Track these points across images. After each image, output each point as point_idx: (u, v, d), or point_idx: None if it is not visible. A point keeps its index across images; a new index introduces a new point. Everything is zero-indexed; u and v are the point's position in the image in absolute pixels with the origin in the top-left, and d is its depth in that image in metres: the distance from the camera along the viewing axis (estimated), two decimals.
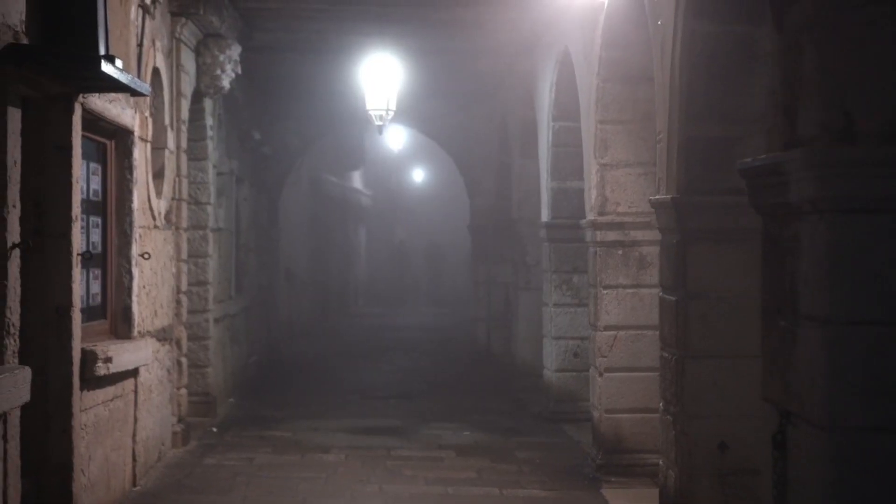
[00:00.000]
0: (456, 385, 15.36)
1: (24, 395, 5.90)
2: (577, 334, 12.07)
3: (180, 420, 10.50)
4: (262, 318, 16.96)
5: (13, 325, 5.95)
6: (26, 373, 5.91)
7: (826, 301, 3.78)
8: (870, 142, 3.73)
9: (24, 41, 6.05)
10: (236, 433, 11.31)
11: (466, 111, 16.84)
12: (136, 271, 8.60)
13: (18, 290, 6.02)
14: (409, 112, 16.30)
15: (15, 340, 5.98)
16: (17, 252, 5.97)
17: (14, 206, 5.95)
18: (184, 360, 10.68)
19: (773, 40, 4.23)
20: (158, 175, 9.72)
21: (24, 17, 6.11)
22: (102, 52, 6.47)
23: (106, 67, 6.14)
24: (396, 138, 25.64)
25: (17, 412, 5.97)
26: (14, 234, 5.96)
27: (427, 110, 17.06)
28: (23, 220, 6.12)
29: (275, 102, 16.75)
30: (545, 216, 12.60)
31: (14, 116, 5.94)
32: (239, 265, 14.86)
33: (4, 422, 5.78)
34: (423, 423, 12.08)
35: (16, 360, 6.00)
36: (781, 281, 4.16)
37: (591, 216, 9.78)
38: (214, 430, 11.38)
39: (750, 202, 4.48)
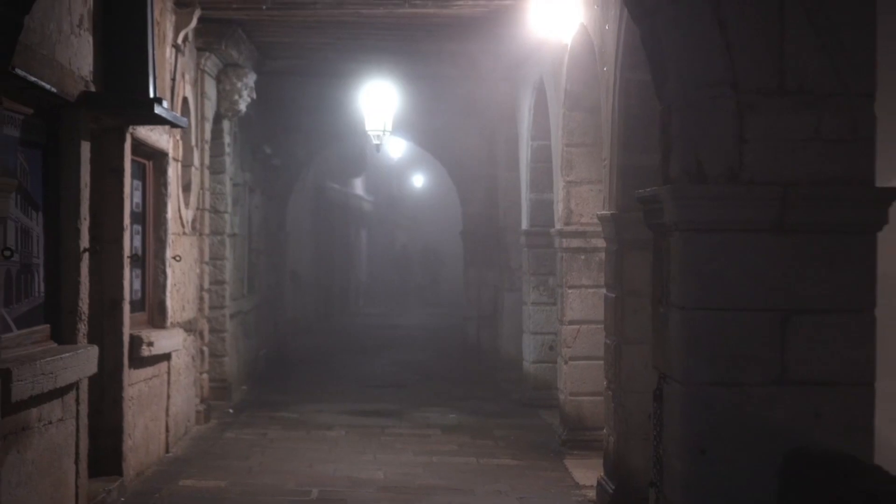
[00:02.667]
0: (446, 376, 16.90)
1: (93, 368, 7.49)
2: (551, 330, 13.53)
3: (202, 401, 12.07)
4: (270, 316, 18.50)
5: (84, 312, 7.54)
6: (94, 350, 7.51)
7: (683, 293, 5.35)
8: (714, 182, 5.30)
9: (92, 88, 7.65)
10: (250, 414, 12.89)
11: (458, 126, 18.28)
12: (169, 271, 10.17)
13: (87, 285, 7.61)
14: (407, 126, 17.77)
15: (85, 325, 7.57)
16: (86, 255, 7.57)
17: (84, 219, 7.55)
18: (205, 349, 12.26)
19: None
20: (186, 188, 11.29)
21: (91, 69, 7.72)
22: (152, 94, 8.06)
23: (158, 109, 7.74)
24: (396, 147, 27.13)
25: (86, 381, 7.57)
26: (84, 240, 7.56)
27: (422, 125, 18.47)
28: (88, 229, 7.71)
29: (284, 118, 18.25)
30: (524, 224, 14.18)
31: (85, 148, 7.54)
32: (251, 267, 16.40)
33: (77, 388, 7.37)
34: (415, 408, 13.64)
35: (85, 341, 7.59)
36: (661, 279, 5.73)
37: (558, 226, 11.35)
38: (231, 411, 12.95)
39: (644, 221, 6.05)
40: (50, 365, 6.59)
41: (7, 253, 5.92)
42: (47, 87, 6.69)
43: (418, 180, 39.12)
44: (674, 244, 5.45)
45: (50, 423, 6.88)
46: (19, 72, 6.08)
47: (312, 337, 22.73)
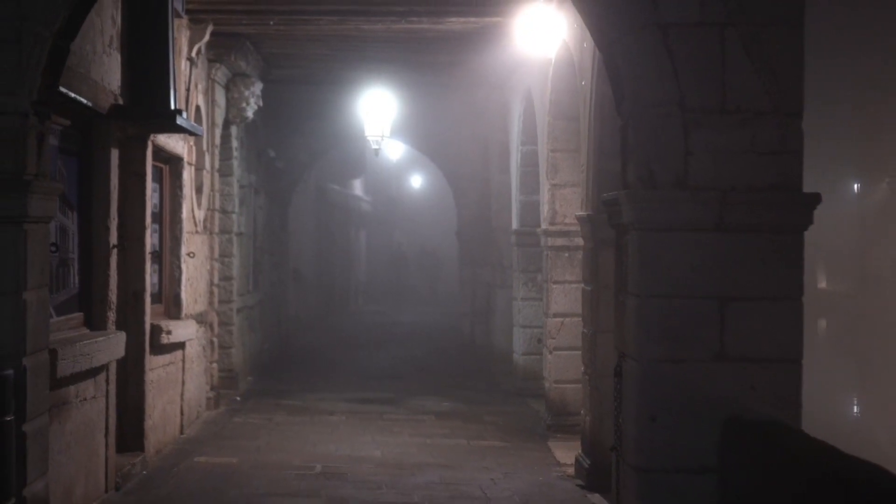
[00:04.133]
0: (441, 369, 17.77)
1: (121, 351, 8.38)
2: (539, 323, 14.31)
3: (212, 388, 12.96)
4: (273, 312, 19.34)
5: (112, 302, 8.43)
6: (123, 336, 8.40)
7: (638, 283, 6.22)
8: (664, 188, 6.17)
9: (120, 101, 8.54)
10: (256, 401, 13.77)
11: (454, 132, 19.17)
12: (183, 267, 11.04)
13: (116, 277, 8.50)
14: (405, 130, 18.68)
15: (113, 313, 8.46)
16: (115, 251, 8.45)
17: (114, 219, 8.44)
18: (215, 340, 13.15)
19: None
20: (199, 190, 12.16)
21: (119, 84, 8.61)
22: (173, 106, 8.95)
23: (179, 120, 8.63)
24: (394, 150, 27.98)
25: (115, 364, 8.44)
26: (113, 237, 8.45)
27: (420, 129, 19.35)
28: (116, 228, 8.59)
29: (287, 123, 19.12)
30: (515, 224, 15.07)
31: (114, 155, 8.44)
32: (255, 264, 17.25)
33: (107, 370, 8.25)
34: (411, 396, 14.51)
35: (113, 328, 8.47)
36: (621, 271, 6.60)
37: (543, 226, 12.24)
38: (238, 398, 13.83)
39: (608, 222, 6.94)
40: (87, 347, 7.48)
41: (53, 248, 6.80)
42: (84, 101, 7.58)
43: (416, 181, 40.05)
44: (631, 241, 6.33)
45: (85, 399, 7.76)
46: (63, 90, 6.96)
47: (314, 333, 23.57)
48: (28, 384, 6.08)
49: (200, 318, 12.23)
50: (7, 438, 5.68)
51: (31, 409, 6.13)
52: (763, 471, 5.73)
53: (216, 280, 13.19)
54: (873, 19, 40.94)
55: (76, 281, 8.11)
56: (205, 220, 12.49)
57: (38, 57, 6.07)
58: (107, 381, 8.25)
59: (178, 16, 9.78)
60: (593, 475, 9.16)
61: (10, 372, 5.73)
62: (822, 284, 49.95)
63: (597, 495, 8.92)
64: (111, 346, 8.06)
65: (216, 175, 13.14)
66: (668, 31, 6.16)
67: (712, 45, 6.16)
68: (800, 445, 5.66)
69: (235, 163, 14.45)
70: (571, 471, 9.84)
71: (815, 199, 6.24)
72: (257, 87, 14.07)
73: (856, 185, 51.24)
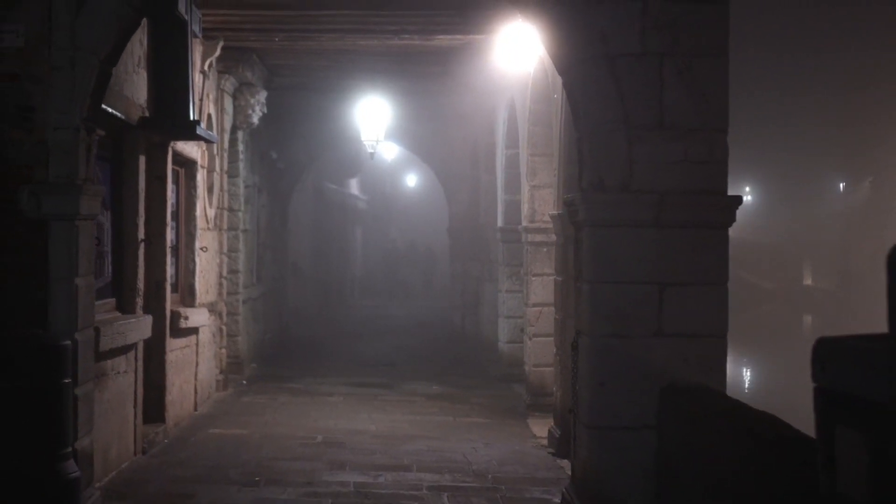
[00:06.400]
0: (433, 358, 18.98)
1: (148, 332, 9.58)
2: (522, 314, 15.57)
3: (221, 372, 14.14)
4: (274, 304, 20.52)
5: (140, 289, 9.63)
6: (149, 318, 9.61)
7: (590, 271, 7.42)
8: (611, 191, 7.37)
9: (147, 113, 9.73)
10: (261, 385, 14.98)
11: (444, 134, 20.39)
12: (197, 260, 12.23)
13: (143, 268, 9.69)
14: (399, 133, 19.88)
15: (141, 300, 9.65)
16: (142, 245, 9.64)
17: (141, 216, 9.63)
18: (224, 327, 14.34)
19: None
20: (210, 190, 13.35)
21: (146, 98, 9.79)
22: (193, 117, 10.13)
23: (198, 130, 9.82)
24: (389, 150, 29.20)
25: (142, 343, 9.64)
26: (141, 233, 9.64)
27: (413, 132, 20.56)
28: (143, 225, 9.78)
29: (288, 127, 20.31)
30: (500, 222, 16.27)
31: (142, 161, 9.62)
32: (258, 259, 18.44)
33: (136, 348, 9.44)
34: (403, 381, 15.72)
35: (141, 312, 9.66)
36: (579, 261, 7.81)
37: (524, 223, 13.44)
38: (244, 382, 15.04)
39: (569, 220, 8.14)
40: (122, 327, 8.68)
41: (96, 242, 7.99)
42: (119, 115, 8.77)
43: (410, 180, 41.27)
44: (585, 236, 7.53)
45: (119, 373, 8.95)
46: (104, 106, 8.15)
47: (312, 325, 24.74)
48: (79, 355, 7.27)
49: (211, 307, 13.41)
50: (67, 397, 6.86)
51: (81, 375, 7.32)
52: (691, 426, 6.92)
53: (224, 273, 14.38)
54: (862, 19, 42.20)
55: (110, 270, 9.30)
56: (215, 218, 13.67)
57: (88, 81, 7.26)
58: (136, 358, 9.44)
59: (195, 36, 10.95)
60: (563, 444, 10.33)
61: (69, 342, 6.91)
62: (808, 281, 51.22)
63: (565, 461, 10.07)
64: (140, 327, 9.26)
65: (224, 176, 14.32)
66: (615, 60, 7.35)
67: (652, 73, 7.35)
68: (720, 404, 6.85)
69: (241, 165, 15.65)
70: (545, 442, 11.04)
71: (737, 200, 7.43)
72: (262, 95, 15.26)
73: (841, 185, 52.51)
